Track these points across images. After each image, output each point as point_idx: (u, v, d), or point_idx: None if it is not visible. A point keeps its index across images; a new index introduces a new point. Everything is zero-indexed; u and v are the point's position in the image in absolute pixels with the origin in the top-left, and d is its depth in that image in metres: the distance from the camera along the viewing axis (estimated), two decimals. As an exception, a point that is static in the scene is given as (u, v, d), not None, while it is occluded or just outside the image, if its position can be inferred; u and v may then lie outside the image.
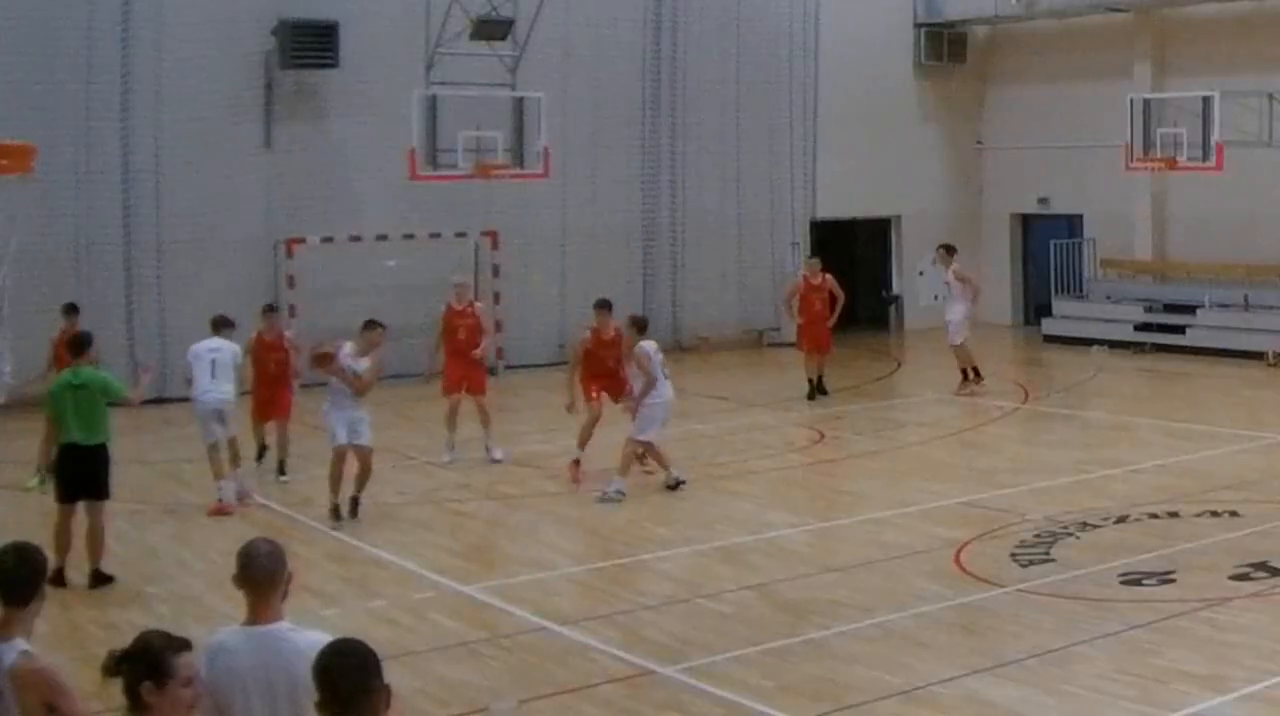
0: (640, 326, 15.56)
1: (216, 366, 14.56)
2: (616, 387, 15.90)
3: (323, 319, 18.52)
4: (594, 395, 15.94)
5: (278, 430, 15.93)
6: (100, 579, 11.96)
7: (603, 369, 15.98)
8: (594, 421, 15.82)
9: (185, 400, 21.26)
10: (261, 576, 5.35)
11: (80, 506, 11.98)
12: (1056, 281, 28.18)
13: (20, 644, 5.34)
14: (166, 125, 21.62)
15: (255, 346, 15.72)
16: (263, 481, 15.60)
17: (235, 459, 14.87)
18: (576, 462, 15.70)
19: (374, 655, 4.62)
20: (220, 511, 14.31)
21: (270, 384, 15.83)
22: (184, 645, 4.79)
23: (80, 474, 11.94)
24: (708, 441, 18.01)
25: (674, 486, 15.01)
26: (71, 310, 17.15)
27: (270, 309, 16.80)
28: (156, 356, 21.22)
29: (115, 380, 12.68)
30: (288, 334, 16.58)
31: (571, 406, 15.77)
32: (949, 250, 21.71)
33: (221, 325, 15.06)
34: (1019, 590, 11.30)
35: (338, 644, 4.67)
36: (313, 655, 4.68)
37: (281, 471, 15.93)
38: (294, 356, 16.10)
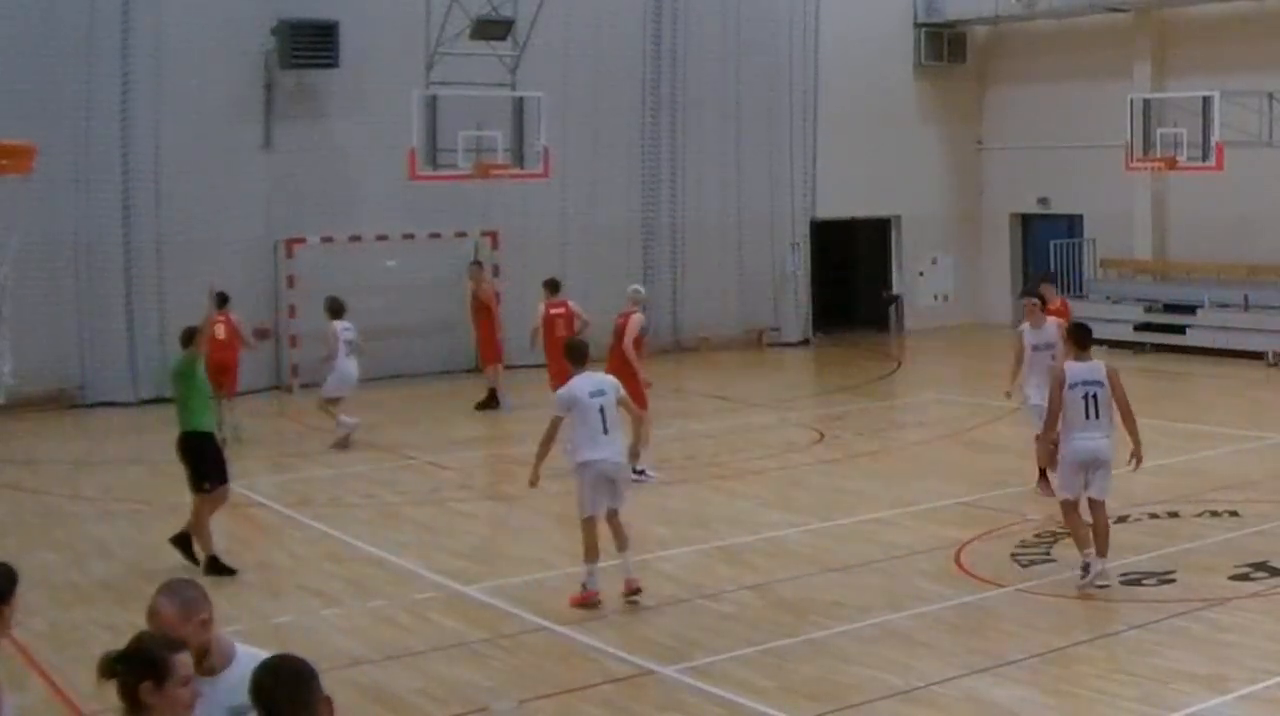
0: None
1: (605, 413, 11.53)
2: None
3: (322, 319, 18.48)
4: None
5: None
6: (212, 565, 11.94)
7: None
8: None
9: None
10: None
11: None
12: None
13: None
14: (166, 125, 21.60)
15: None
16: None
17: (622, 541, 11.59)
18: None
19: (309, 670, 4.55)
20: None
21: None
22: (180, 644, 4.78)
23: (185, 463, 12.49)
24: (708, 441, 18.01)
25: None
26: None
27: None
28: (156, 357, 21.22)
29: (176, 360, 12.84)
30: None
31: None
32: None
33: (580, 358, 11.82)
34: (1019, 590, 11.30)
35: (271, 661, 4.61)
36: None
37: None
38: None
